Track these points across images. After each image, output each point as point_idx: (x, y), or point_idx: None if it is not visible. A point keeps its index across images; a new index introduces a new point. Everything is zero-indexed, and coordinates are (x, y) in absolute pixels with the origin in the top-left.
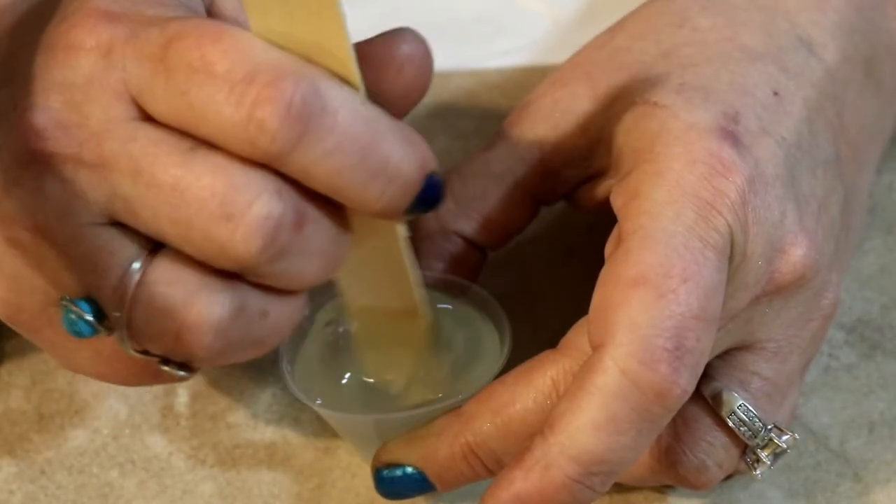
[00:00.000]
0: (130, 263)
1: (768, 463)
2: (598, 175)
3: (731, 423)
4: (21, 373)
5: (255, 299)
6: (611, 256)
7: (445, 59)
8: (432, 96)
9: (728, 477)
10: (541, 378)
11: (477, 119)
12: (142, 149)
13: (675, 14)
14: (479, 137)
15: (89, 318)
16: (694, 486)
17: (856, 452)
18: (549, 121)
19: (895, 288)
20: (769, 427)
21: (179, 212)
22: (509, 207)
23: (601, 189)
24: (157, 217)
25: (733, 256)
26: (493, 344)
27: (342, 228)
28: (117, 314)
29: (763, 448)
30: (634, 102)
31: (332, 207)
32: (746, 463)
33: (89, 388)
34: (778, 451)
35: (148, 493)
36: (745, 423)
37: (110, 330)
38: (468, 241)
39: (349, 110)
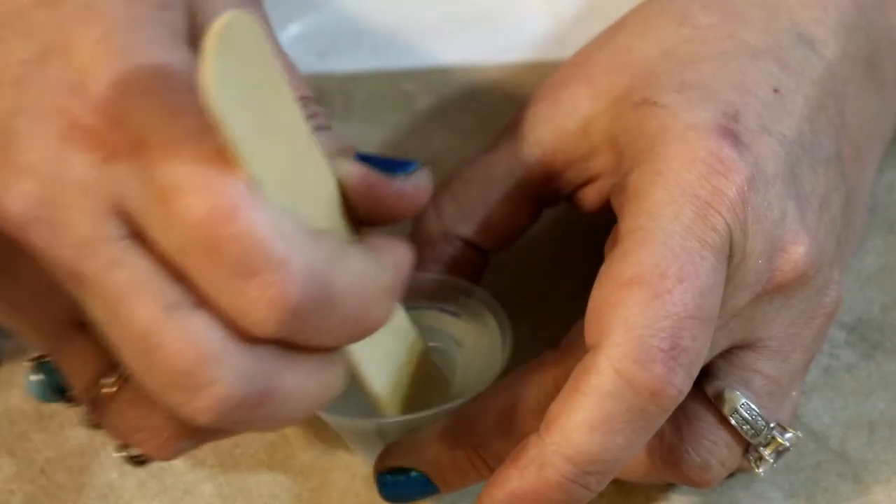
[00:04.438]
0: (100, 376)
1: (771, 461)
2: (600, 176)
3: (733, 422)
4: (21, 372)
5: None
6: (609, 255)
7: (446, 55)
8: (432, 93)
9: (730, 475)
10: (543, 378)
11: (477, 116)
12: (122, 283)
13: (676, 12)
14: (479, 134)
15: (51, 390)
16: (697, 485)
17: (856, 452)
18: (549, 123)
19: (895, 287)
20: (772, 425)
21: (143, 360)
22: (511, 210)
23: (603, 190)
24: (121, 350)
25: (733, 255)
26: (494, 345)
27: (326, 379)
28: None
29: (766, 446)
30: (635, 102)
31: (313, 365)
32: (749, 461)
33: None
34: (780, 449)
35: (148, 493)
36: (747, 422)
37: (72, 401)
38: (470, 244)
39: (352, 292)
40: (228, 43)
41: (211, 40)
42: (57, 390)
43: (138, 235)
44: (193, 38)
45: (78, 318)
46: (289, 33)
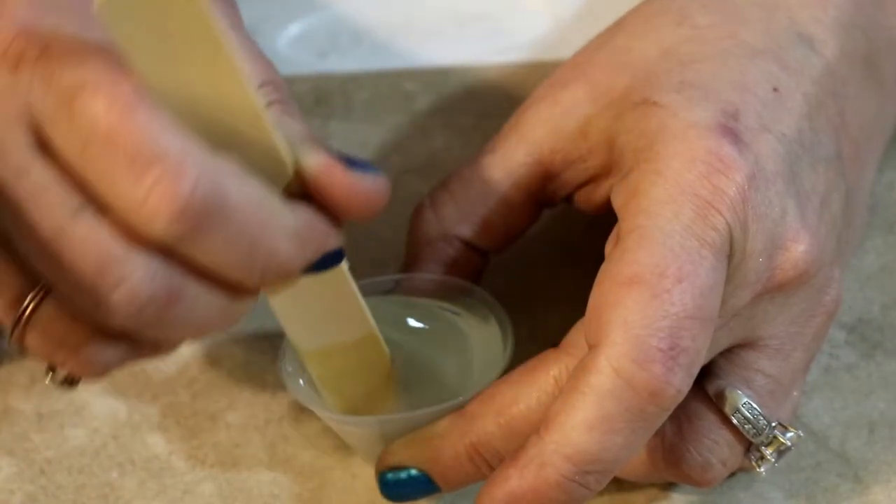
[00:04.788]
0: (22, 293)
1: (772, 460)
2: (600, 176)
3: (735, 421)
4: (21, 372)
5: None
6: (609, 255)
7: (445, 55)
8: (432, 92)
9: (732, 475)
10: (543, 377)
11: (476, 116)
12: (29, 189)
13: (675, 12)
14: (478, 134)
15: None
16: (698, 484)
17: (856, 452)
18: (549, 123)
19: (895, 287)
20: (773, 424)
21: (53, 263)
22: (510, 211)
23: (603, 190)
24: (33, 258)
25: (733, 254)
26: (495, 344)
27: (230, 299)
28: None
29: (767, 445)
30: (634, 102)
31: (222, 289)
32: (751, 460)
33: (89, 387)
34: (782, 448)
35: (148, 493)
36: (749, 421)
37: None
38: (469, 245)
39: (246, 210)
40: None
41: None
42: None
43: (45, 144)
44: None
45: None
46: (289, 33)
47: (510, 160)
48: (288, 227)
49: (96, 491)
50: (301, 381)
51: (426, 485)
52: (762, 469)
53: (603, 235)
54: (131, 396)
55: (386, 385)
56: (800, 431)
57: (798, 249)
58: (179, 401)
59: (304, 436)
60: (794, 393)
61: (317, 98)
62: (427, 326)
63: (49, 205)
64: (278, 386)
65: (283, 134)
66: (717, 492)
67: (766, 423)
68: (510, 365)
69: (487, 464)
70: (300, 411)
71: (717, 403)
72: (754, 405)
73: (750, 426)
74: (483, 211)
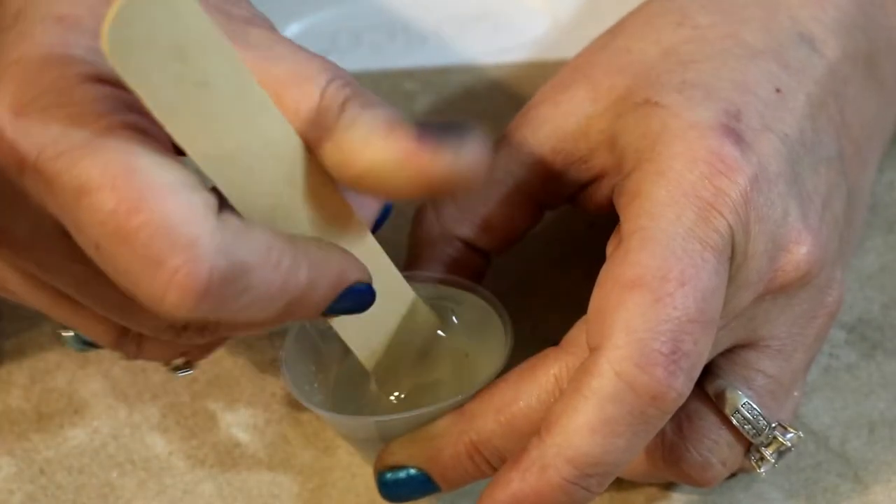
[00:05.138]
0: (120, 330)
1: (772, 461)
2: (601, 177)
3: (735, 421)
4: (20, 372)
5: None
6: (610, 256)
7: (445, 55)
8: (432, 92)
9: (732, 475)
10: (544, 376)
11: (476, 115)
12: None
13: (676, 12)
14: None
15: (82, 344)
16: (698, 484)
17: (856, 452)
18: (550, 124)
19: (895, 287)
20: (773, 425)
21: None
22: (511, 211)
23: (604, 191)
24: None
25: (735, 256)
26: (495, 343)
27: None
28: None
29: (767, 446)
30: (635, 103)
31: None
32: (750, 461)
33: (89, 387)
34: (782, 448)
35: (148, 493)
36: (749, 421)
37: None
38: (471, 246)
39: (263, 272)
40: (134, 10)
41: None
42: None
43: None
44: None
45: None
46: (289, 33)
47: (511, 161)
48: (306, 261)
49: (96, 491)
50: (301, 382)
51: (425, 484)
52: (762, 470)
53: (604, 235)
54: (131, 396)
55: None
56: (800, 432)
57: (800, 251)
58: (179, 401)
59: (304, 436)
60: (795, 393)
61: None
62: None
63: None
64: (278, 386)
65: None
66: (717, 492)
67: (765, 423)
68: (510, 363)
69: (487, 462)
70: (300, 411)
71: (717, 403)
72: (754, 405)
73: (750, 426)
74: (484, 212)
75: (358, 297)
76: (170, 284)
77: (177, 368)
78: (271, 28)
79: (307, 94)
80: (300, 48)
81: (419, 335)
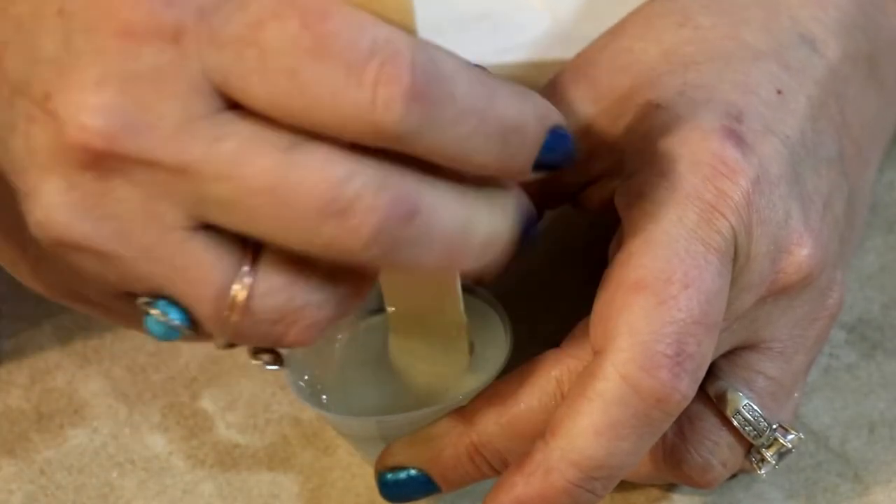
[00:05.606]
0: (231, 276)
1: (773, 462)
2: (602, 177)
3: (735, 423)
4: (20, 372)
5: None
6: (613, 259)
7: None
8: None
9: (732, 476)
10: (545, 377)
11: None
12: (233, 150)
13: (677, 13)
14: None
15: (177, 322)
16: (698, 485)
17: (856, 453)
18: None
19: (895, 287)
20: (774, 426)
21: (281, 214)
22: None
23: (604, 191)
24: (255, 220)
25: (737, 258)
26: (495, 344)
27: (465, 212)
28: (216, 323)
29: (768, 447)
30: (637, 104)
31: (451, 189)
32: (751, 462)
33: (89, 387)
34: (783, 450)
35: (148, 493)
36: (749, 423)
37: (201, 333)
38: None
39: (464, 75)
40: None
41: None
42: (179, 323)
43: (234, 105)
44: None
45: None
46: None
47: None
48: (506, 84)
49: (96, 491)
50: (301, 382)
51: (426, 485)
52: (762, 471)
53: (603, 235)
54: (131, 396)
55: (456, 368)
56: (800, 434)
57: (801, 253)
58: (179, 401)
59: (304, 436)
60: (795, 395)
61: None
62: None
63: (259, 154)
64: (278, 386)
65: None
66: (717, 492)
67: (766, 424)
68: (509, 364)
69: (488, 464)
70: (300, 411)
71: (717, 405)
72: (755, 407)
73: (750, 428)
74: None
75: (563, 143)
76: (378, 84)
77: (266, 362)
78: None
79: None
80: None
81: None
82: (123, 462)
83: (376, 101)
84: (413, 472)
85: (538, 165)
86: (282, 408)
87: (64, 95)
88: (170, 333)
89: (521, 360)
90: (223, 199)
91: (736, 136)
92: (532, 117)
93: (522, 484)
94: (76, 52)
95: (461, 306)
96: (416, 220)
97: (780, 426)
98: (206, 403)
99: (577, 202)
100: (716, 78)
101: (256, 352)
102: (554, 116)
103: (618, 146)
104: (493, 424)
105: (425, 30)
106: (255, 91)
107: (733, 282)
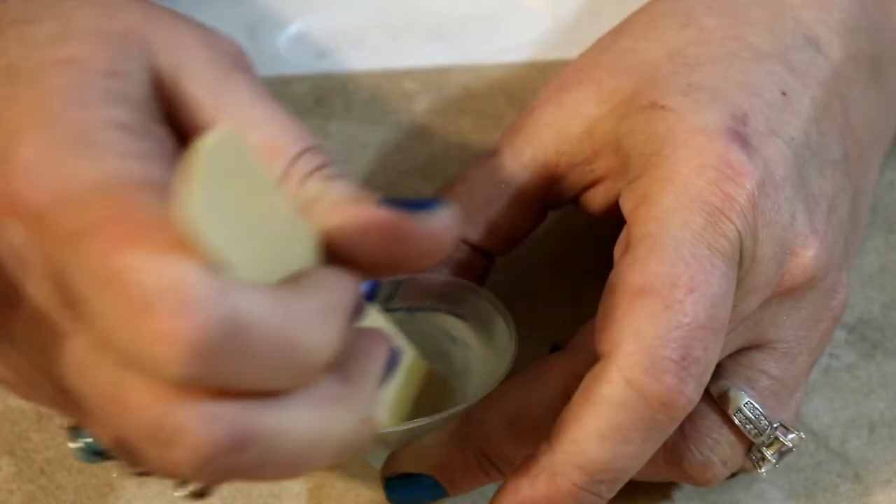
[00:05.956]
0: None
1: (773, 461)
2: (605, 178)
3: (737, 421)
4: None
5: None
6: (618, 262)
7: (445, 55)
8: (432, 92)
9: (733, 475)
10: (551, 381)
11: (476, 116)
12: (78, 353)
13: (680, 14)
14: (478, 135)
15: (95, 451)
16: (699, 483)
17: (856, 452)
18: (553, 126)
19: (895, 287)
20: (775, 425)
21: (118, 425)
22: (515, 213)
23: (609, 192)
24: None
25: (743, 261)
26: (500, 347)
27: (316, 425)
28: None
29: (768, 446)
30: (641, 105)
31: (300, 404)
32: (752, 461)
33: None
34: (783, 449)
35: (148, 493)
36: (750, 421)
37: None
38: (474, 248)
39: (265, 322)
40: (207, 170)
41: (189, 169)
42: (99, 451)
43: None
44: (161, 95)
45: None
46: (289, 33)
47: (515, 163)
48: (314, 309)
49: (96, 491)
50: None
51: (433, 489)
52: (763, 469)
53: (605, 235)
54: None
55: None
56: (801, 433)
57: (807, 254)
58: None
59: None
60: (797, 395)
61: (317, 98)
62: (430, 332)
63: (96, 367)
64: None
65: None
66: (717, 491)
67: (767, 423)
68: (513, 366)
69: (495, 468)
70: None
71: (719, 403)
72: (756, 406)
73: (751, 426)
74: (488, 213)
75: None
76: (157, 333)
77: (193, 495)
78: (252, 73)
79: (275, 169)
80: (279, 110)
81: (414, 374)
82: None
83: (157, 354)
84: (420, 477)
85: None
86: None
87: None
88: (90, 458)
89: (523, 361)
90: (76, 388)
91: (741, 139)
92: (335, 334)
93: (528, 487)
94: None
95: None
96: (251, 450)
97: (781, 425)
98: None
99: (580, 203)
100: (720, 79)
101: (182, 481)
102: (353, 293)
103: (622, 148)
104: (499, 428)
105: (426, 30)
106: (78, 301)
107: (739, 284)
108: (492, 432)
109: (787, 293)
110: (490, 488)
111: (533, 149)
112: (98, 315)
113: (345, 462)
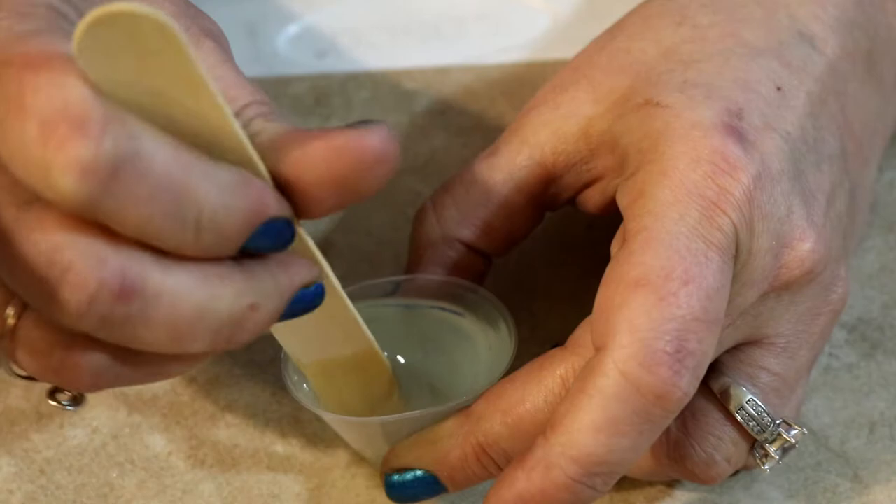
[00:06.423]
0: (3, 308)
1: (777, 457)
2: (602, 178)
3: (739, 418)
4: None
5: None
6: (615, 256)
7: (445, 55)
8: (432, 92)
9: (735, 473)
10: (550, 376)
11: (476, 115)
12: None
13: (675, 12)
14: (478, 134)
15: None
16: (702, 481)
17: (856, 452)
18: (550, 126)
19: (895, 287)
20: (777, 422)
21: (9, 266)
22: (512, 214)
23: (607, 192)
24: None
25: (739, 254)
26: (499, 344)
27: (202, 294)
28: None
29: (771, 443)
30: (637, 103)
31: (191, 270)
32: (754, 458)
33: None
34: (786, 445)
35: (148, 493)
36: (753, 418)
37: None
38: (471, 248)
39: (167, 158)
40: (120, 27)
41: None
42: None
43: None
44: None
45: None
46: (289, 33)
47: (512, 163)
48: (215, 177)
49: (96, 491)
50: (305, 386)
51: (433, 485)
52: (766, 467)
53: (603, 234)
54: (131, 396)
55: (388, 395)
56: (804, 429)
57: (804, 248)
58: (179, 401)
59: (304, 436)
60: (799, 391)
61: (316, 98)
62: (429, 328)
63: (2, 204)
64: (278, 386)
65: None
66: (717, 491)
67: (770, 420)
68: (513, 365)
69: (495, 464)
70: (300, 411)
71: (721, 400)
72: (759, 402)
73: (754, 423)
74: (485, 214)
75: (278, 234)
76: (57, 150)
77: (65, 402)
78: (224, 46)
79: None
80: (239, 73)
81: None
82: (123, 462)
83: (52, 168)
84: (419, 473)
85: (243, 250)
86: (282, 408)
87: None
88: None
89: (523, 359)
90: None
91: (737, 133)
92: (240, 210)
93: (523, 479)
94: None
95: (372, 344)
96: (134, 301)
97: (784, 421)
98: (206, 403)
99: (577, 203)
100: (715, 76)
101: (53, 392)
102: (271, 210)
103: (618, 146)
104: (498, 424)
105: (426, 30)
106: None
107: (736, 278)
108: (490, 428)
109: (784, 287)
110: (490, 487)
111: (529, 149)
112: (5, 140)
113: (235, 346)
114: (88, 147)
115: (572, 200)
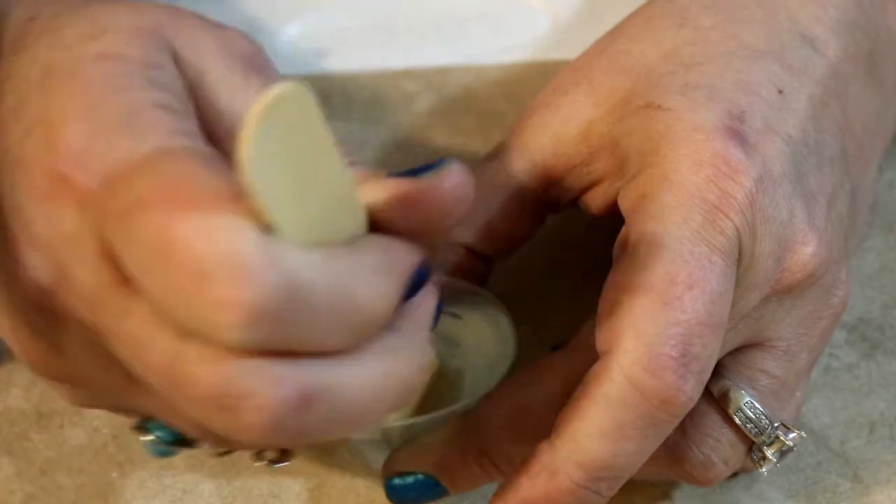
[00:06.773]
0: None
1: (774, 460)
2: (603, 180)
3: (737, 421)
4: (20, 372)
5: None
6: (617, 260)
7: (445, 55)
8: (432, 93)
9: (733, 475)
10: (551, 379)
11: (476, 116)
12: (134, 330)
13: (676, 14)
14: (478, 134)
15: (167, 443)
16: (700, 483)
17: (856, 452)
18: (550, 128)
19: (895, 287)
20: (776, 425)
21: (178, 397)
22: (513, 216)
23: (606, 194)
24: (162, 391)
25: (741, 257)
26: (500, 347)
27: (374, 379)
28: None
29: (769, 445)
30: (638, 106)
31: (354, 360)
32: (752, 460)
33: None
34: (784, 448)
35: (148, 493)
36: (751, 421)
37: (193, 444)
38: (472, 252)
39: (321, 282)
40: (270, 119)
41: (252, 119)
42: (173, 440)
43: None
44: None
45: None
46: (289, 33)
47: (513, 166)
48: (369, 267)
49: (96, 491)
50: None
51: (434, 488)
52: (764, 469)
53: (604, 236)
54: None
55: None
56: (802, 432)
57: (806, 251)
58: None
59: None
60: (798, 393)
61: (317, 98)
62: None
63: (155, 339)
64: None
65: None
66: (717, 491)
67: (768, 422)
68: (513, 366)
69: (496, 467)
70: None
71: (720, 403)
72: (757, 405)
73: (752, 426)
74: (486, 217)
75: (421, 279)
76: (216, 305)
77: (271, 461)
78: (268, 72)
79: None
80: None
81: None
82: (123, 462)
83: (218, 321)
84: (420, 475)
85: None
86: None
87: (11, 248)
88: (164, 451)
89: (523, 361)
90: (131, 364)
91: (738, 136)
92: (392, 292)
93: (528, 485)
94: (23, 206)
95: None
96: (317, 407)
97: (782, 424)
98: None
99: (579, 205)
100: (717, 78)
101: (259, 451)
102: (413, 266)
103: (619, 148)
104: (500, 428)
105: (426, 30)
106: (133, 275)
107: (738, 281)
108: (492, 431)
109: (786, 290)
110: (490, 488)
111: (530, 152)
112: (155, 288)
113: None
114: (251, 301)
115: (574, 203)
